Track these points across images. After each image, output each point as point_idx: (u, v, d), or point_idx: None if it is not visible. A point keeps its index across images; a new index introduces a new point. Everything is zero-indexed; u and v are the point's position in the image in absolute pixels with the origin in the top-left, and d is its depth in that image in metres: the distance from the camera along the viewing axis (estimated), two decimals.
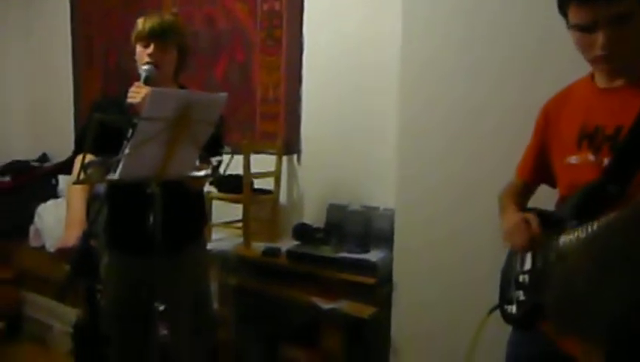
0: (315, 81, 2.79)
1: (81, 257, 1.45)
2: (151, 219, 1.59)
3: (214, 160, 1.62)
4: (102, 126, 1.56)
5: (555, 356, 1.21)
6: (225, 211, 2.83)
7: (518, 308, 1.29)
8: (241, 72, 3.00)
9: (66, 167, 3.18)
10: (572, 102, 1.26)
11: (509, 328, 1.38)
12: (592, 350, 0.46)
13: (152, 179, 1.51)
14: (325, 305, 2.32)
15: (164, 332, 2.22)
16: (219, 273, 2.64)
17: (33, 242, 3.28)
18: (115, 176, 1.38)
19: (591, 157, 1.14)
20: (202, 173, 1.59)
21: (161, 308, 1.82)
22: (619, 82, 1.14)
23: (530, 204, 1.43)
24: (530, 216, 1.22)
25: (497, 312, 1.39)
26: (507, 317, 1.34)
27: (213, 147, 1.62)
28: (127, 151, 1.37)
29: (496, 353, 1.44)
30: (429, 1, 2.00)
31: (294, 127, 2.84)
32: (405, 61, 2.08)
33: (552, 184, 1.35)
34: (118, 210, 1.93)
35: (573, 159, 1.19)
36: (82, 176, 1.34)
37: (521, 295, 1.28)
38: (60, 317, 3.09)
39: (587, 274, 0.46)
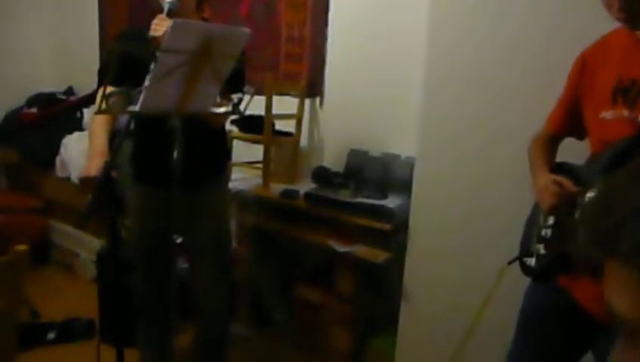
0: (341, 22, 2.71)
1: (102, 187, 1.48)
2: (174, 153, 1.61)
3: (235, 97, 1.60)
4: (124, 58, 1.55)
5: (570, 309, 1.22)
6: (246, 151, 2.84)
7: (537, 262, 1.28)
8: (266, 8, 2.92)
9: (90, 100, 3.21)
10: (610, 52, 1.19)
11: (525, 281, 1.38)
12: (621, 273, 0.44)
13: (173, 112, 1.51)
14: (341, 248, 2.35)
15: (184, 265, 2.30)
16: (237, 212, 2.68)
17: (59, 173, 3.36)
18: (136, 107, 1.39)
19: (625, 112, 1.09)
20: (222, 109, 1.59)
21: (179, 240, 1.86)
22: None
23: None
24: (562, 180, 1.19)
25: (515, 265, 1.39)
26: (526, 270, 1.33)
27: (234, 83, 1.60)
28: (147, 83, 1.37)
29: (509, 304, 1.44)
30: None
31: (318, 69, 2.79)
32: (433, 5, 1.99)
33: (581, 137, 1.31)
34: (143, 142, 1.96)
35: (608, 115, 1.13)
36: (104, 105, 1.34)
37: (541, 249, 1.27)
38: (86, 245, 3.21)
39: (627, 195, 0.44)
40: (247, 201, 2.68)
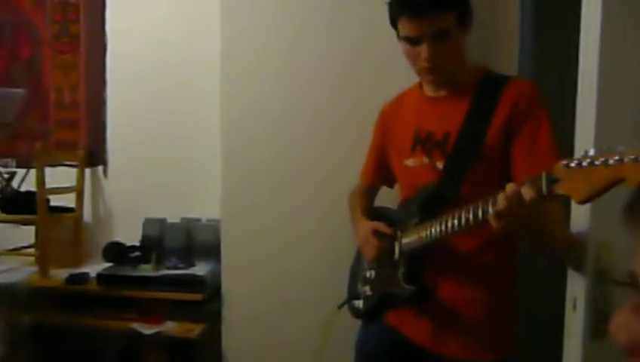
0: (121, 81, 2.52)
1: None
2: None
3: (4, 171, 1.32)
4: None
5: (400, 346, 1.26)
6: (11, 236, 2.38)
7: (364, 303, 1.32)
8: (27, 69, 2.54)
9: None
10: (405, 108, 1.33)
11: (356, 326, 1.40)
12: None
13: None
14: (147, 329, 2.09)
15: None
16: (7, 311, 2.19)
17: None
18: None
19: (425, 160, 1.21)
20: None
21: None
22: (443, 92, 1.23)
23: None
24: (380, 226, 1.26)
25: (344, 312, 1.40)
26: (355, 312, 1.36)
27: None
28: None
29: (342, 352, 1.43)
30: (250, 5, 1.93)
31: (98, 135, 2.53)
32: (225, 61, 1.94)
33: (392, 185, 1.42)
34: None
35: (410, 162, 1.25)
36: None
37: (367, 290, 1.31)
38: None
39: None
40: (20, 296, 2.21)
